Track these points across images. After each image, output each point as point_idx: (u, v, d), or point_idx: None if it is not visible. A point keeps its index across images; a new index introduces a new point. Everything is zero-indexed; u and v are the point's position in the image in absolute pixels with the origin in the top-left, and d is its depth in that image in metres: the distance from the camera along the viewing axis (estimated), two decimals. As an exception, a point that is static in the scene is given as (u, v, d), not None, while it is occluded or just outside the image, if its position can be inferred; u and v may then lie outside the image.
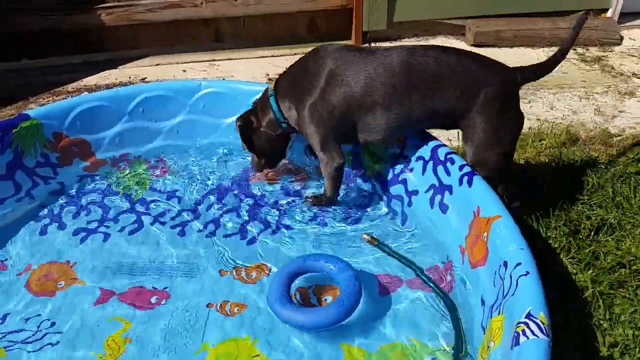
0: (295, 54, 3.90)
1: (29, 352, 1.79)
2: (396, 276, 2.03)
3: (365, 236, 2.16)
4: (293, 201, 2.40)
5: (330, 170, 2.20)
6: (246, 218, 2.32)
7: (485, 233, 1.85)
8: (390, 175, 2.37)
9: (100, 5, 3.67)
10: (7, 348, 1.80)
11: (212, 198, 2.43)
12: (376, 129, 2.12)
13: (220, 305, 1.94)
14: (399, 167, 2.34)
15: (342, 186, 2.30)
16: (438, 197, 2.15)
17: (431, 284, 1.97)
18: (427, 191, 2.21)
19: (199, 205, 2.39)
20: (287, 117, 2.24)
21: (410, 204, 2.28)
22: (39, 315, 1.91)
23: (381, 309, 1.92)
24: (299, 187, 2.48)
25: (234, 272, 2.06)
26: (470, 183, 2.00)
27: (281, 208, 2.36)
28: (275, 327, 1.86)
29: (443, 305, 1.90)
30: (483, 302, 1.77)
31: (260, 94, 2.34)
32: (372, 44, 4.02)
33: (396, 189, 2.34)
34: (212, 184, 2.51)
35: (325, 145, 2.16)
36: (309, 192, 2.43)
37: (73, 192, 2.45)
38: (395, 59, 2.04)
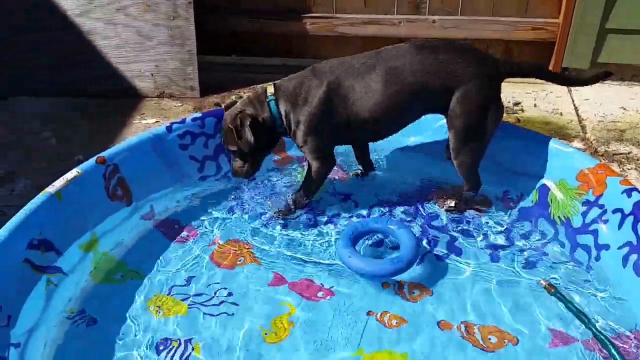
0: (484, 82, 3.83)
1: (204, 314, 1.99)
2: (571, 332, 1.88)
3: (543, 282, 2.03)
4: (466, 230, 2.35)
5: (320, 176, 2.38)
6: (416, 235, 2.32)
7: (690, 308, 1.64)
8: (578, 223, 2.21)
9: (307, 15, 3.96)
10: (189, 306, 2.02)
11: (384, 209, 2.48)
12: (375, 130, 2.35)
13: (380, 315, 1.97)
14: (590, 216, 2.17)
15: (522, 224, 2.20)
16: (633, 257, 1.95)
17: (612, 350, 1.78)
18: (620, 247, 2.02)
19: (372, 213, 2.45)
20: (284, 121, 2.30)
21: (598, 258, 2.10)
22: (218, 283, 2.11)
23: (548, 362, 1.79)
24: (474, 214, 2.42)
25: (396, 287, 2.08)
26: (677, 248, 1.79)
27: (453, 233, 2.32)
28: (434, 349, 1.84)
29: (623, 376, 1.72)
30: (676, 382, 1.57)
31: (252, 93, 2.35)
32: (569, 82, 3.79)
33: (584, 239, 2.17)
34: (387, 196, 2.55)
35: (321, 153, 2.33)
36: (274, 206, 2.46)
37: (262, 180, 2.64)
38: (388, 61, 2.20)
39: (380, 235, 2.28)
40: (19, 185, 2.78)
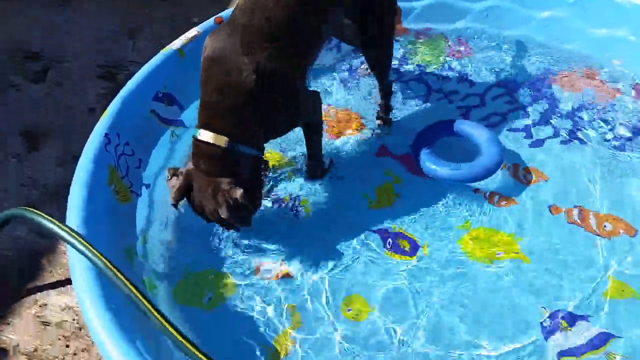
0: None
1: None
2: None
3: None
4: (593, 117, 2.18)
5: (321, 129, 1.96)
6: (534, 119, 2.20)
7: None
8: None
9: None
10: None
11: (502, 90, 2.34)
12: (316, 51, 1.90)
13: (489, 194, 1.95)
14: None
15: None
16: None
17: None
18: None
19: (487, 93, 2.33)
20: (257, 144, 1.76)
21: None
22: (326, 149, 2.12)
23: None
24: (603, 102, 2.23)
25: (511, 168, 2.02)
26: None
27: (578, 118, 2.18)
28: (542, 231, 1.82)
29: None
30: None
31: (195, 155, 1.68)
32: None
33: None
34: (506, 77, 2.40)
35: (307, 110, 1.87)
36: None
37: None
38: None
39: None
40: (139, 42, 2.91)
